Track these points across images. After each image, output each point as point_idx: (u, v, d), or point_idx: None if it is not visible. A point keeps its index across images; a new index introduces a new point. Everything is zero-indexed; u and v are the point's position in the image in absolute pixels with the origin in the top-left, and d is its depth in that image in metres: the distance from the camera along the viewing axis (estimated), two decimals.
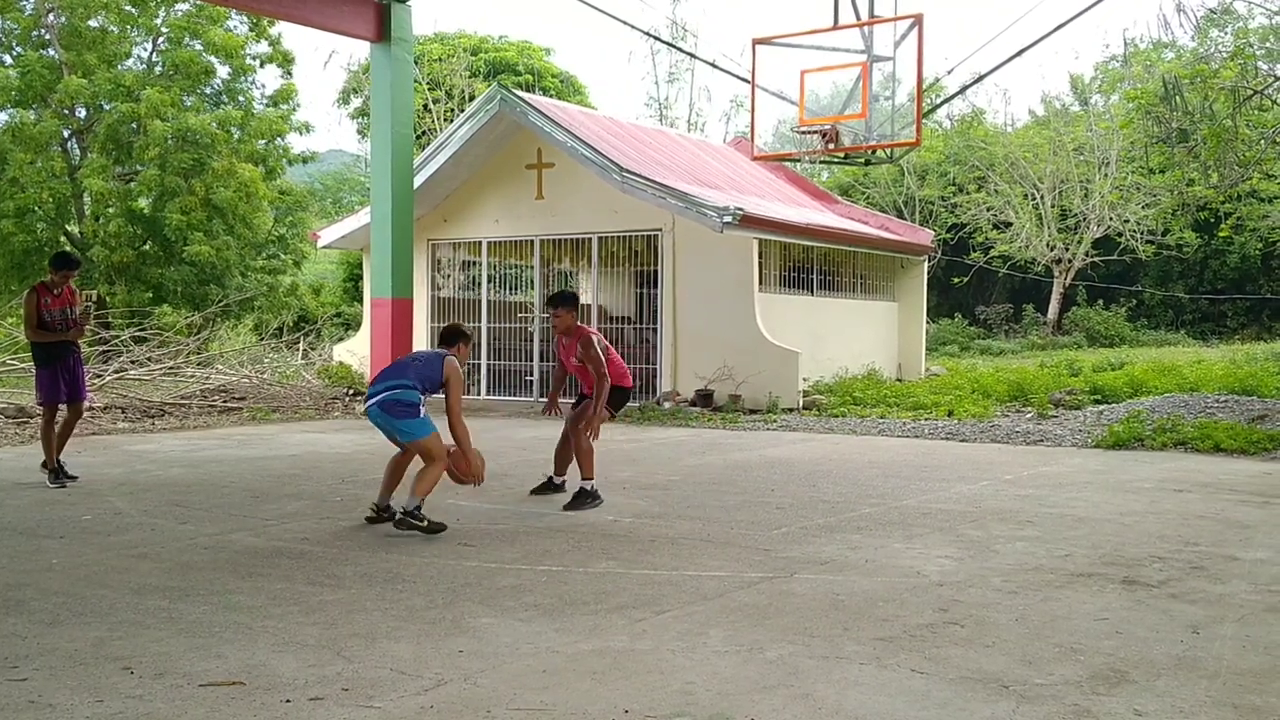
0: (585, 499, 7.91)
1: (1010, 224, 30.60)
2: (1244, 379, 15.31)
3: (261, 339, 22.08)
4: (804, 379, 15.46)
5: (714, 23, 72.13)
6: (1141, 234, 29.39)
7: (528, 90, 27.05)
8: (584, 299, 19.95)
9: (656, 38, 29.42)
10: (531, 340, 17.45)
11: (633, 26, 29.37)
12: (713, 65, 20.85)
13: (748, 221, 15.00)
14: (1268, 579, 5.65)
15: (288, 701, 3.84)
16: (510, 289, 19.07)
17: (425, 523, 6.83)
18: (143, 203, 24.62)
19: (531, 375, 17.35)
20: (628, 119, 22.78)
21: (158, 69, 24.73)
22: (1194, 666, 4.23)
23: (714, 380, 15.40)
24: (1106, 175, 29.31)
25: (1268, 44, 18.18)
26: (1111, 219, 29.61)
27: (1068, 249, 30.46)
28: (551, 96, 27.67)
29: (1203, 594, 5.34)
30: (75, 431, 9.77)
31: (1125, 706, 3.79)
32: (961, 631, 4.70)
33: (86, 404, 10.51)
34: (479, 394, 17.68)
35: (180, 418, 14.69)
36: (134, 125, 23.27)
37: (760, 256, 15.78)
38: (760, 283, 15.76)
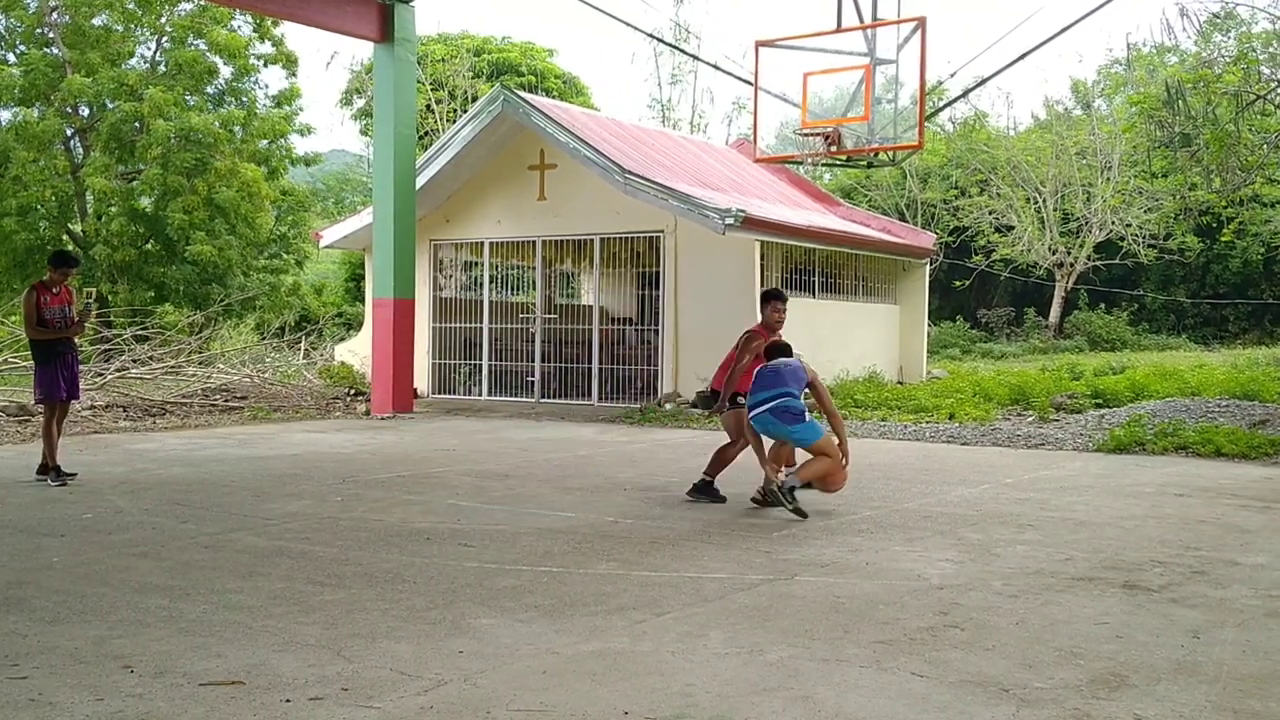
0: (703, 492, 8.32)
1: (1012, 227, 30.59)
2: (1245, 384, 15.29)
3: (263, 338, 22.08)
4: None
5: (717, 25, 72.17)
6: (1143, 238, 29.38)
7: (530, 91, 27.06)
8: (586, 300, 19.98)
9: (659, 39, 29.45)
10: (533, 341, 17.45)
11: (636, 28, 29.43)
12: (715, 67, 20.89)
13: (750, 223, 15.00)
14: (1268, 584, 5.64)
15: (287, 701, 3.84)
16: (512, 290, 19.08)
17: (794, 505, 7.42)
18: (145, 202, 24.65)
19: (533, 376, 17.34)
20: (630, 120, 22.80)
21: (161, 68, 24.76)
22: (1194, 671, 4.22)
23: None
24: (1109, 179, 29.30)
25: (1271, 48, 18.17)
26: (1113, 223, 29.61)
27: (1069, 253, 30.45)
28: (554, 98, 27.67)
29: (1203, 599, 5.34)
30: (76, 430, 9.77)
31: (1125, 711, 3.79)
32: (962, 635, 4.70)
33: (79, 403, 10.53)
34: (480, 394, 17.69)
35: (181, 417, 14.69)
36: (137, 124, 23.29)
37: (762, 258, 15.78)
38: (762, 284, 15.75)
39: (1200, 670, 4.23)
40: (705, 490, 8.28)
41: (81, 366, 11.56)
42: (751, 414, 7.68)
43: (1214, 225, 26.56)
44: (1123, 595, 5.40)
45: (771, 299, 8.61)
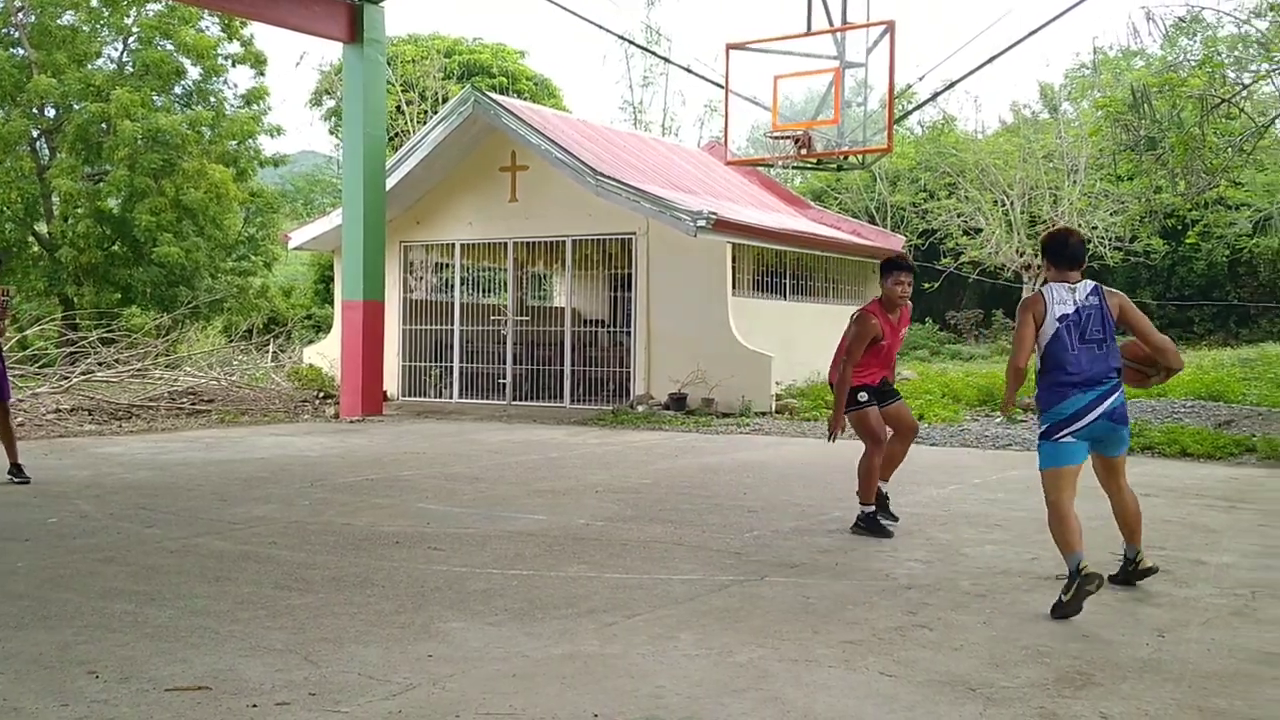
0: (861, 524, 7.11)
1: (980, 230, 30.76)
2: (1210, 384, 15.45)
3: (231, 341, 21.92)
4: (776, 383, 15.49)
5: (688, 27, 72.24)
6: (1110, 240, 29.63)
7: (502, 93, 27.00)
8: (558, 302, 19.96)
9: (631, 42, 29.44)
10: (504, 343, 17.41)
11: (607, 30, 29.43)
12: (687, 70, 20.92)
13: (721, 226, 15.03)
14: (1233, 583, 5.70)
15: (254, 706, 3.81)
16: (483, 292, 19.02)
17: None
18: (112, 203, 24.41)
19: (504, 378, 17.31)
20: (602, 123, 22.80)
21: (128, 69, 24.52)
22: (1159, 670, 4.26)
23: (687, 383, 15.41)
24: (1075, 182, 29.53)
25: (1236, 52, 18.37)
26: (1080, 225, 29.82)
27: (1037, 255, 30.64)
28: (526, 99, 27.62)
29: (1168, 598, 5.39)
30: (41, 433, 9.65)
31: (1091, 710, 3.82)
32: (930, 634, 4.72)
33: (43, 406, 10.36)
34: (451, 397, 17.63)
35: (148, 420, 14.56)
36: (104, 125, 23.07)
37: (733, 260, 15.81)
38: (733, 286, 15.79)
39: (1165, 669, 4.27)
40: (870, 524, 7.02)
41: (48, 369, 11.42)
42: (1076, 428, 5.39)
43: (1179, 228, 26.82)
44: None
45: (894, 269, 7.34)
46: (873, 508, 7.07)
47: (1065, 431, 5.39)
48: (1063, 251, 5.60)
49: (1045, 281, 5.68)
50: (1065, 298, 5.48)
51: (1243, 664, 4.34)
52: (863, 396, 7.11)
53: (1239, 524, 7.43)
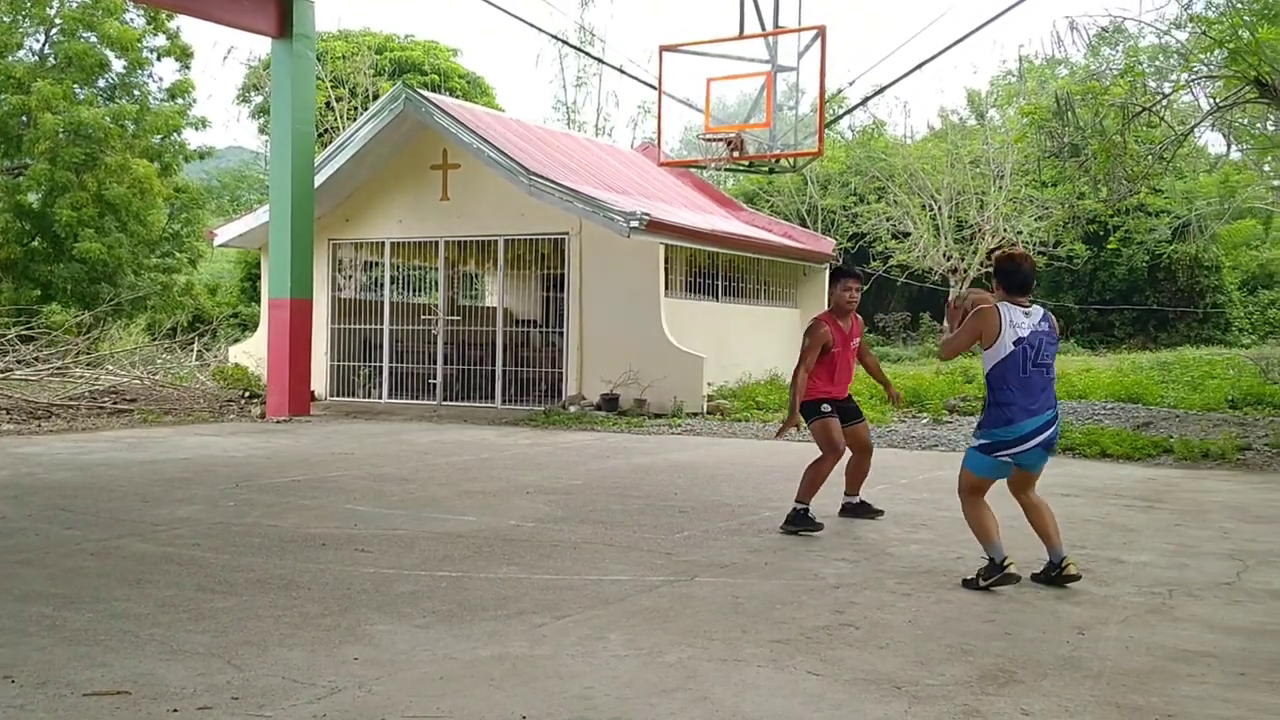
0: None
1: (909, 234, 31.17)
2: (1130, 387, 15.82)
3: (154, 339, 21.49)
4: (708, 384, 15.56)
5: (622, 28, 72.33)
6: (1034, 245, 30.18)
7: (434, 91, 26.80)
8: (489, 302, 19.85)
9: (564, 42, 29.39)
10: (435, 343, 17.28)
11: (540, 30, 29.33)
12: (620, 71, 20.87)
13: (654, 227, 15.06)
14: (1150, 581, 5.84)
15: (175, 711, 3.74)
16: (414, 291, 18.87)
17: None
18: (32, 198, 23.85)
19: (435, 378, 17.17)
20: (535, 122, 22.71)
21: (50, 61, 23.96)
22: (1079, 667, 4.35)
23: (620, 384, 15.42)
24: (1001, 188, 30.02)
25: (1157, 62, 18.80)
26: (1005, 230, 30.33)
27: (964, 259, 31.13)
28: (458, 98, 27.43)
29: (1088, 596, 5.50)
30: None
31: (1013, 706, 3.89)
32: (857, 633, 4.77)
33: None
34: (381, 397, 17.46)
35: (68, 419, 14.23)
36: (24, 118, 22.52)
37: (666, 262, 15.85)
38: (666, 288, 15.83)
39: (1085, 666, 4.36)
40: (800, 520, 7.17)
41: None
42: (1015, 450, 5.63)
43: (1101, 233, 27.42)
44: (1011, 593, 5.53)
45: (843, 276, 7.50)
46: (806, 506, 7.20)
47: (1006, 453, 5.63)
48: (1016, 278, 5.72)
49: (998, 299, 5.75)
50: (1021, 321, 5.61)
51: (1160, 661, 4.44)
52: (825, 408, 7.34)
53: (1156, 523, 7.61)
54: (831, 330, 7.35)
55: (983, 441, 5.68)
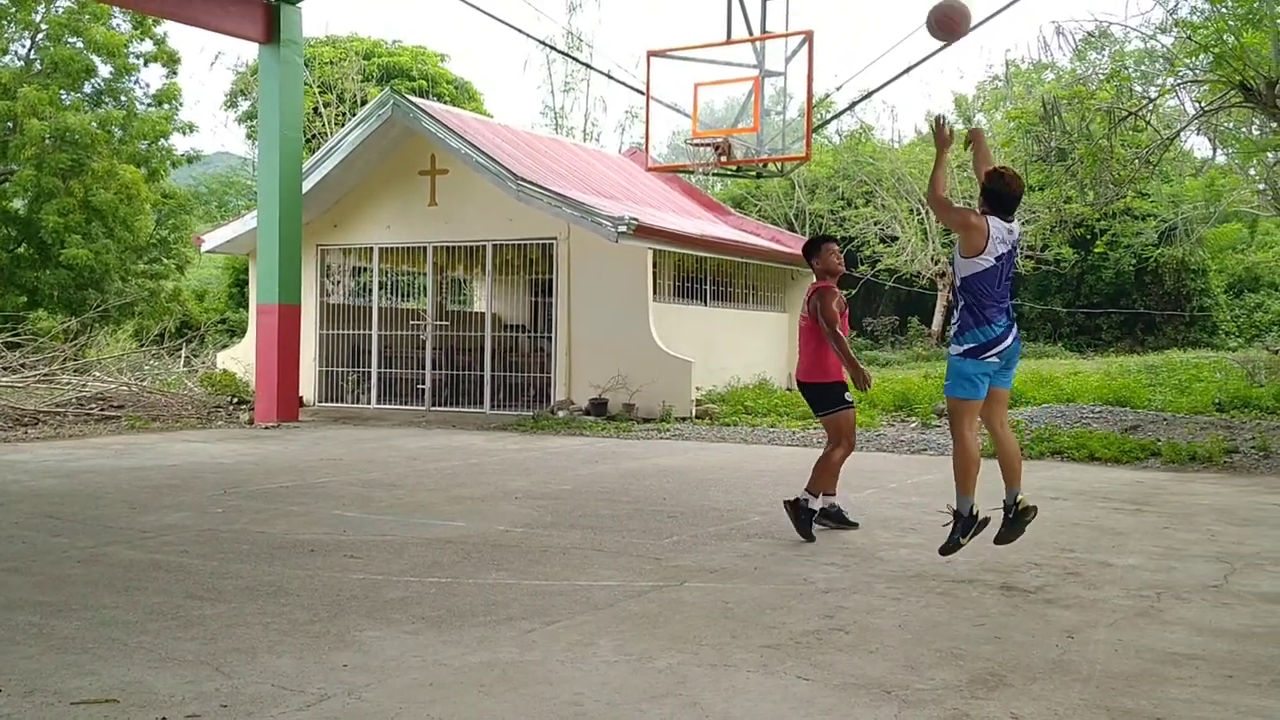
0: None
1: (896, 238, 31.24)
2: (1117, 390, 15.86)
3: (142, 345, 21.43)
4: (697, 388, 15.57)
5: (610, 34, 72.35)
6: (1021, 249, 30.27)
7: (422, 96, 26.78)
8: (478, 307, 19.83)
9: (552, 47, 29.38)
10: (424, 348, 17.25)
11: (529, 35, 29.32)
12: (608, 76, 20.95)
13: (642, 232, 15.08)
14: (1138, 584, 5.85)
15: (163, 719, 3.73)
16: (402, 296, 18.84)
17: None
18: (17, 204, 23.76)
19: (423, 384, 17.15)
20: (523, 127, 22.72)
21: (36, 66, 23.88)
22: (1069, 670, 4.35)
23: (608, 389, 15.42)
24: None
25: (1143, 66, 18.88)
26: None
27: (951, 263, 31.26)
28: (446, 103, 27.43)
29: (1077, 599, 5.51)
30: None
31: (1003, 710, 3.89)
32: (846, 638, 4.78)
33: None
34: (369, 402, 17.43)
35: (55, 426, 14.17)
36: (10, 124, 22.44)
37: (654, 266, 15.87)
38: (654, 292, 15.84)
39: (1074, 669, 4.37)
40: (805, 517, 7.04)
41: None
42: (998, 349, 5.80)
43: (1088, 237, 27.50)
44: (1001, 597, 5.54)
45: (824, 242, 7.53)
46: (818, 499, 7.12)
47: (991, 352, 5.81)
48: (1004, 198, 5.86)
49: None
50: (1005, 238, 5.77)
51: (1149, 664, 4.45)
52: (849, 396, 7.23)
53: (1144, 526, 7.63)
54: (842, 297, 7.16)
55: (967, 346, 5.85)
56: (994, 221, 5.74)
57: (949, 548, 5.94)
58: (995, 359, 5.79)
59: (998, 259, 5.73)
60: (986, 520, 5.96)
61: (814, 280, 7.44)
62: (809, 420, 14.56)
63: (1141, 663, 4.47)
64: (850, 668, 4.35)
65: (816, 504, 7.16)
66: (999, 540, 6.09)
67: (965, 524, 5.89)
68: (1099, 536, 7.23)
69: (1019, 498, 5.94)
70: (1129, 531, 7.43)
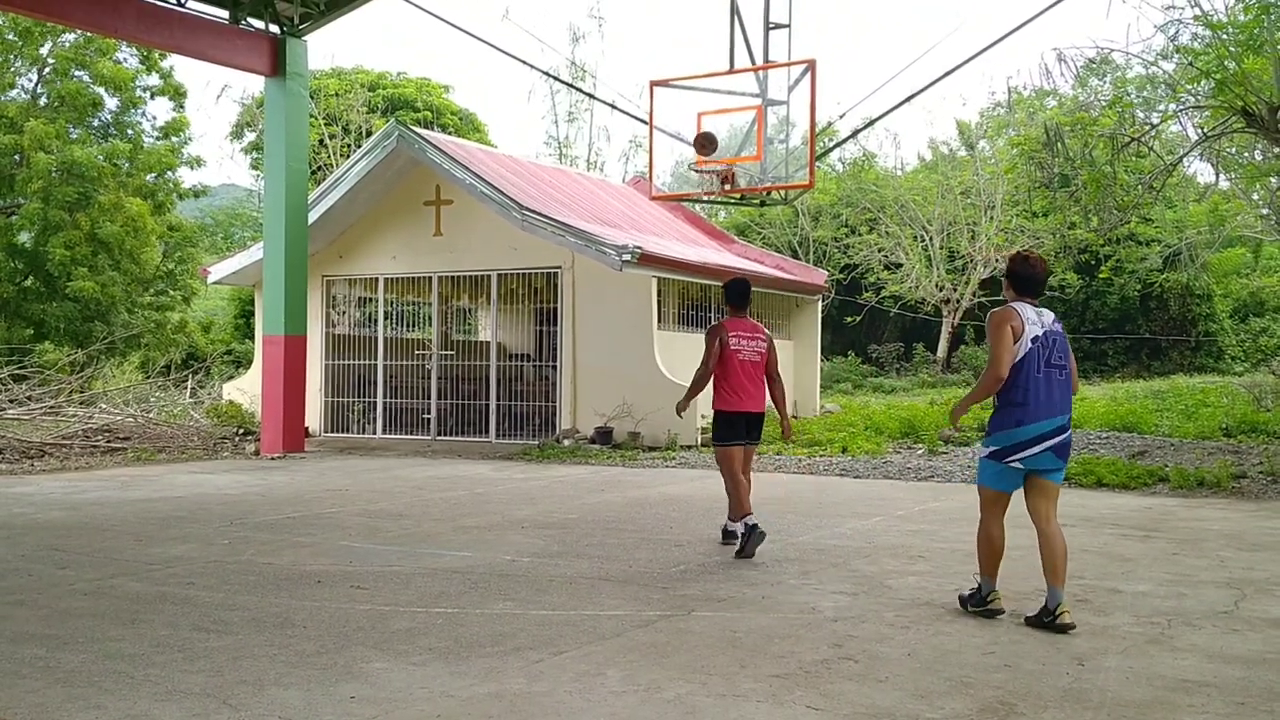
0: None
1: (900, 265, 31.28)
2: (1124, 416, 15.82)
3: (148, 377, 21.46)
4: (702, 416, 15.52)
5: (613, 64, 72.80)
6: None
7: (426, 127, 26.91)
8: (483, 336, 19.85)
9: (556, 78, 29.55)
10: (429, 378, 17.27)
11: (532, 66, 29.43)
12: (611, 106, 21.05)
13: (646, 260, 15.10)
14: (1149, 611, 5.82)
15: None
16: (408, 326, 18.87)
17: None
18: (24, 237, 23.84)
19: (429, 413, 17.15)
20: (527, 157, 22.82)
21: (43, 100, 24.05)
22: (1080, 698, 4.33)
23: (613, 417, 15.41)
24: (992, 218, 30.18)
25: (1145, 92, 18.95)
26: (997, 260, 30.46)
27: (956, 289, 31.24)
28: (451, 134, 27.57)
29: (1087, 626, 5.48)
30: None
31: None
32: (855, 667, 4.75)
33: None
34: (375, 432, 17.43)
35: (61, 459, 14.18)
36: (17, 157, 22.58)
37: (659, 295, 15.89)
38: (659, 321, 15.86)
39: (1086, 697, 4.34)
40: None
41: None
42: (1025, 455, 5.58)
43: (1092, 263, 27.52)
44: (1010, 624, 5.52)
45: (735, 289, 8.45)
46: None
47: (1015, 457, 5.56)
48: (1030, 282, 5.78)
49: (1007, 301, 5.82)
50: (1035, 319, 5.65)
51: (1160, 692, 4.42)
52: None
53: (1153, 553, 7.60)
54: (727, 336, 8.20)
55: (992, 449, 5.64)
56: (1020, 308, 5.66)
57: (966, 609, 5.79)
58: (1018, 464, 5.55)
59: (1033, 340, 5.55)
60: (1001, 612, 5.69)
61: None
62: (815, 448, 14.54)
63: (1153, 690, 4.44)
64: (860, 697, 4.32)
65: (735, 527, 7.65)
66: (1029, 621, 5.63)
67: (976, 602, 5.77)
68: (1108, 563, 7.20)
69: (1060, 608, 5.42)
70: (1138, 558, 7.40)
